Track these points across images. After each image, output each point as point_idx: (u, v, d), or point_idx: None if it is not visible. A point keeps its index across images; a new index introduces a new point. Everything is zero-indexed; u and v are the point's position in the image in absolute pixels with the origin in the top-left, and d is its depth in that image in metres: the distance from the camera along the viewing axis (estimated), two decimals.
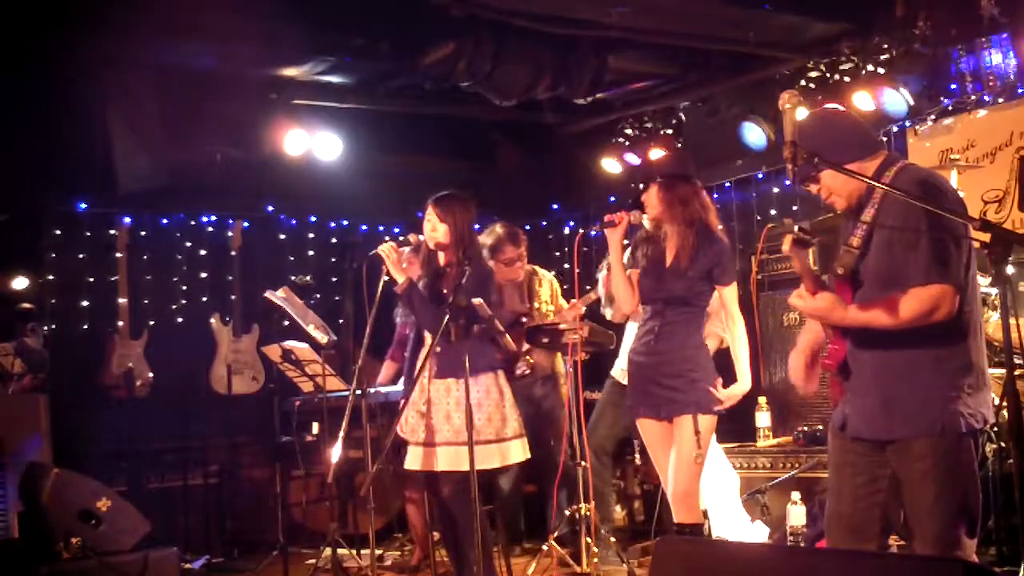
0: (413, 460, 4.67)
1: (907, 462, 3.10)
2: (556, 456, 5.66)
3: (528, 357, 5.74)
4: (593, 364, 6.28)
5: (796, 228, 3.12)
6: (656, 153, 7.20)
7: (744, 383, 4.37)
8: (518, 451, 4.72)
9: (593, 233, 4.85)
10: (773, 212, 6.96)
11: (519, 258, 6.23)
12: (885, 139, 6.12)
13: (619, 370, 5.64)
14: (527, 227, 7.36)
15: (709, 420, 4.26)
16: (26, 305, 7.00)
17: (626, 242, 4.59)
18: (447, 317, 4.41)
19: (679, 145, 7.43)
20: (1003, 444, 4.63)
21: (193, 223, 7.56)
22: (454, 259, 4.72)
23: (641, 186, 4.48)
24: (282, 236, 7.96)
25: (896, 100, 6.00)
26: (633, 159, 7.50)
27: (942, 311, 3.01)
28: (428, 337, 4.64)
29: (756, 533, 5.31)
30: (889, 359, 3.14)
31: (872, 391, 3.18)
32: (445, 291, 4.69)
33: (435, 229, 4.72)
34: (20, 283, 7.13)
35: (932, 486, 3.05)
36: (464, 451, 4.47)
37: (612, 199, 8.19)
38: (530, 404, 6.11)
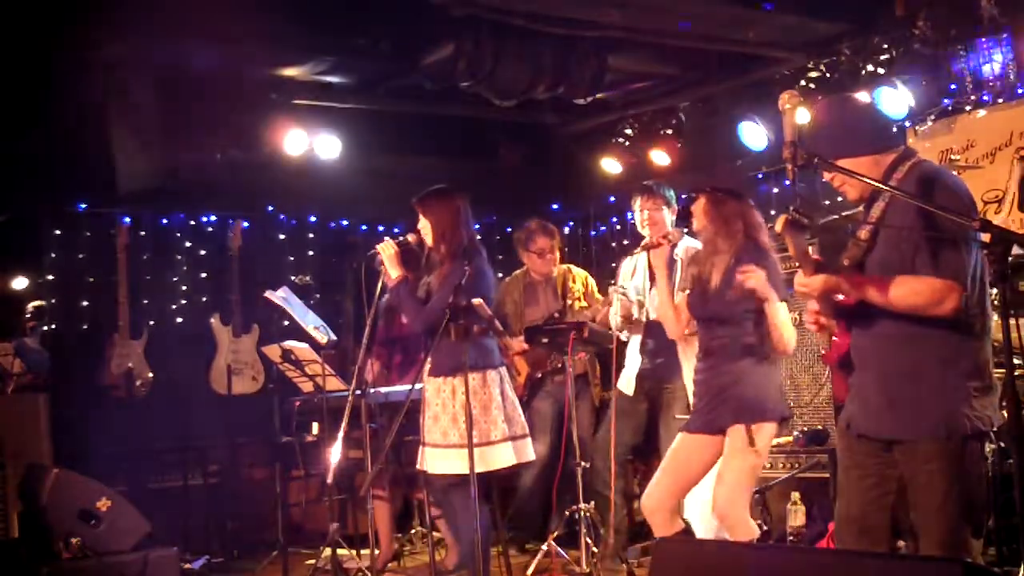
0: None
1: (914, 464, 3.10)
2: (568, 457, 5.64)
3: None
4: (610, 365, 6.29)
5: (791, 209, 3.01)
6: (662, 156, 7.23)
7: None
8: (503, 456, 4.67)
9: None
10: (773, 212, 6.95)
11: (551, 250, 6.23)
12: None
13: (624, 380, 5.62)
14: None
15: (760, 428, 4.04)
16: (38, 303, 6.97)
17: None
18: (446, 318, 4.41)
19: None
20: (1003, 444, 4.62)
21: (193, 223, 7.55)
22: (439, 256, 4.73)
23: (692, 195, 4.36)
24: (282, 236, 7.95)
25: (896, 100, 6.00)
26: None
27: (947, 305, 3.00)
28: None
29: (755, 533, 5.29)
30: (895, 359, 3.14)
31: (878, 390, 3.17)
32: (427, 290, 4.72)
33: (422, 227, 4.76)
34: (20, 283, 7.12)
35: (939, 488, 3.05)
36: (450, 453, 4.51)
37: (612, 199, 8.19)
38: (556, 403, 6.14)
